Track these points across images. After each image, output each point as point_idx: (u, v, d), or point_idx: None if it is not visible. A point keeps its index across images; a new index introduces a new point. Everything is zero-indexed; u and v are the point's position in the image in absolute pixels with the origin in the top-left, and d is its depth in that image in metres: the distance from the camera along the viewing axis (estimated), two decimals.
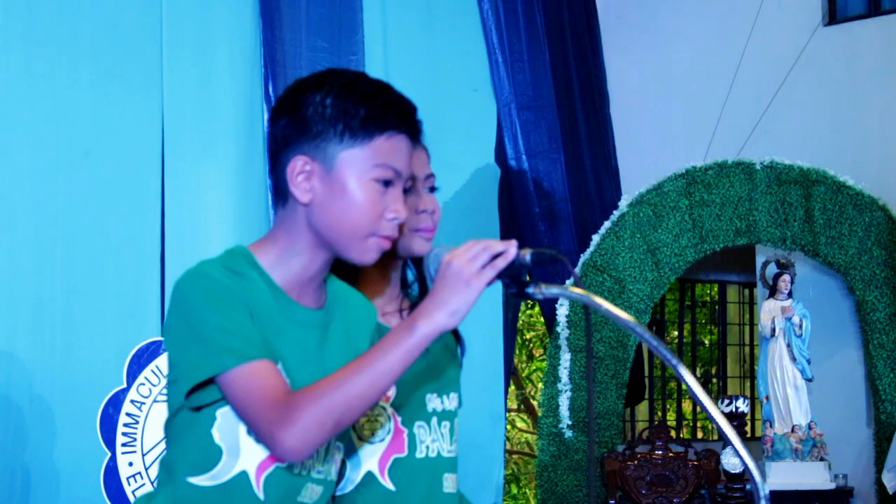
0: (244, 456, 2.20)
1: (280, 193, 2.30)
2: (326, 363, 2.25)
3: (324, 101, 2.24)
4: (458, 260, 2.07)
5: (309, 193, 2.24)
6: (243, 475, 2.20)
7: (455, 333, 2.74)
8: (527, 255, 2.09)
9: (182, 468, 2.22)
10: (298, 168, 2.24)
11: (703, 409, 1.84)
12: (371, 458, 2.55)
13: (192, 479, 2.21)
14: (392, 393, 2.52)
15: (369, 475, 2.53)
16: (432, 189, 2.70)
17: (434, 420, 2.61)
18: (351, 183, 2.22)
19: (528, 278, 2.11)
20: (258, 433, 2.13)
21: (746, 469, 1.85)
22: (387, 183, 2.24)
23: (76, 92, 6.28)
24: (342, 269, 2.45)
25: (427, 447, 2.58)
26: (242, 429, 2.18)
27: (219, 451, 2.20)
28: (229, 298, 2.15)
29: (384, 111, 2.25)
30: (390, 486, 2.54)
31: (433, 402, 2.62)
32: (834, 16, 9.49)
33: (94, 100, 6.32)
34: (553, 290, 2.09)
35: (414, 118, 2.31)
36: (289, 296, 2.27)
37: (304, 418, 2.06)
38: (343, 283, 2.42)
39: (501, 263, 2.05)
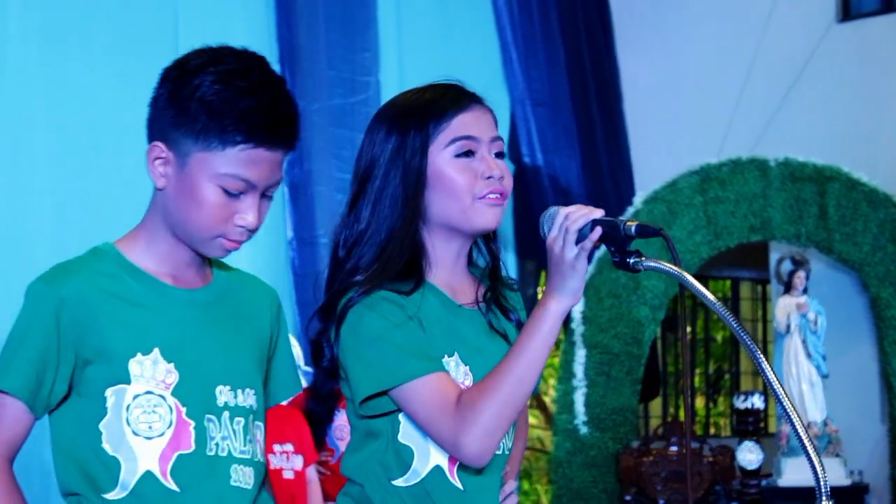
0: (141, 456, 2.20)
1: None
2: (213, 333, 2.28)
3: (194, 91, 2.18)
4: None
5: (163, 179, 2.23)
6: (148, 475, 2.21)
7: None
8: (632, 226, 2.16)
9: (90, 489, 2.22)
10: (155, 153, 2.22)
11: (780, 405, 1.85)
12: (438, 453, 2.39)
13: (108, 496, 2.21)
14: (470, 382, 2.38)
15: (437, 469, 2.37)
16: (499, 154, 2.46)
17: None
18: (200, 185, 2.19)
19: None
20: None
21: (815, 478, 1.86)
22: (237, 193, 2.20)
23: (92, 89, 6.30)
24: (409, 251, 2.39)
25: (503, 444, 2.44)
26: (127, 430, 2.19)
27: (115, 461, 2.20)
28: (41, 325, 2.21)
29: (248, 122, 2.18)
30: (458, 484, 2.38)
31: None
32: (847, 12, 9.48)
33: (109, 97, 6.33)
34: (651, 263, 2.15)
35: (280, 132, 2.23)
36: (161, 280, 2.27)
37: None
38: (239, 270, 2.42)
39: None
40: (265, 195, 2.25)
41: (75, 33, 6.27)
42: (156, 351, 2.22)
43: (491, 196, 2.40)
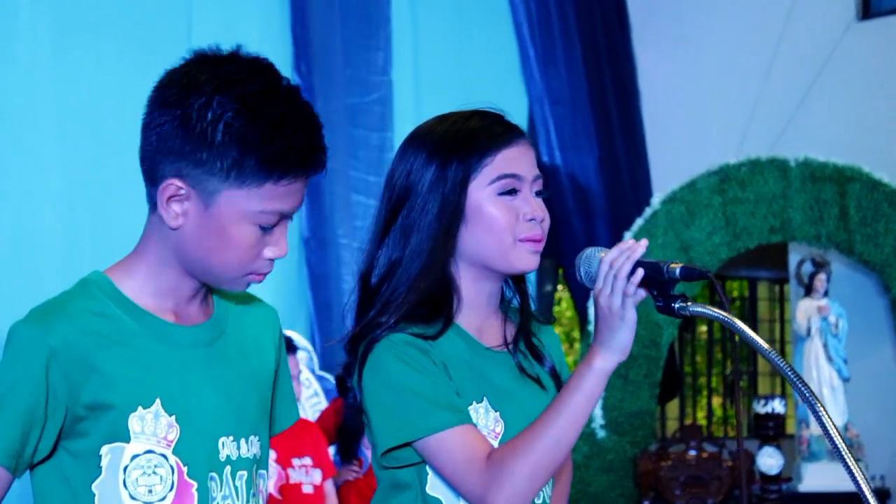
0: None
1: (149, 197, 2.02)
2: (217, 377, 2.05)
3: (216, 121, 1.93)
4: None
5: (180, 219, 1.97)
6: None
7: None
8: (676, 269, 2.03)
9: None
10: (171, 191, 1.96)
11: (835, 449, 1.75)
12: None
13: None
14: (501, 429, 2.24)
15: None
16: (538, 193, 2.31)
17: None
18: (232, 225, 1.97)
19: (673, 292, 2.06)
20: None
21: (863, 498, 1.76)
22: (271, 227, 2.00)
23: (104, 89, 6.23)
24: (433, 292, 2.26)
25: (543, 493, 2.30)
26: (124, 493, 1.96)
27: None
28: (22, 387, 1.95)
29: (284, 155, 1.95)
30: None
31: None
32: (868, 10, 9.40)
33: (121, 97, 6.26)
34: (698, 308, 2.02)
35: (316, 157, 2.01)
36: (161, 318, 2.03)
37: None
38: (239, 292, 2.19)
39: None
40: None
41: (87, 34, 6.20)
42: (157, 403, 1.98)
43: (530, 243, 2.27)
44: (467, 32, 8.48)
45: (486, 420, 2.24)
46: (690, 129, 9.61)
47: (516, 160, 2.29)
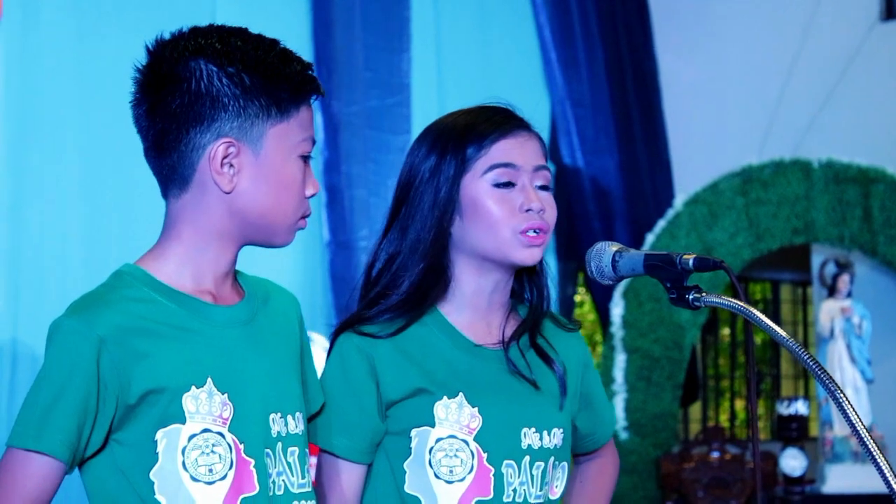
0: (201, 502, 1.98)
1: (178, 180, 2.06)
2: (259, 354, 2.08)
3: (240, 73, 2.02)
4: None
5: (234, 179, 2.02)
6: None
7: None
8: (689, 260, 2.02)
9: None
10: (222, 152, 2.01)
11: (859, 438, 1.74)
12: (448, 501, 2.23)
13: None
14: (477, 424, 2.23)
15: None
16: (543, 187, 2.29)
17: (526, 459, 2.27)
18: (284, 161, 2.02)
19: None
20: None
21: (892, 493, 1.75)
22: (308, 157, 2.07)
23: (127, 90, 6.24)
24: (424, 289, 2.25)
25: (514, 490, 2.25)
26: (185, 475, 1.96)
27: None
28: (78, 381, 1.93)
29: (303, 78, 2.06)
30: None
31: (529, 438, 2.28)
32: (891, 11, 9.35)
33: None
34: (712, 298, 1.99)
35: (315, 76, 2.11)
36: (202, 300, 2.05)
37: None
38: (255, 276, 2.22)
39: None
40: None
41: (110, 37, 6.20)
42: (209, 381, 1.99)
43: (530, 234, 2.24)
44: (489, 35, 8.46)
45: (459, 415, 2.23)
46: (712, 130, 9.58)
47: (512, 150, 2.27)
